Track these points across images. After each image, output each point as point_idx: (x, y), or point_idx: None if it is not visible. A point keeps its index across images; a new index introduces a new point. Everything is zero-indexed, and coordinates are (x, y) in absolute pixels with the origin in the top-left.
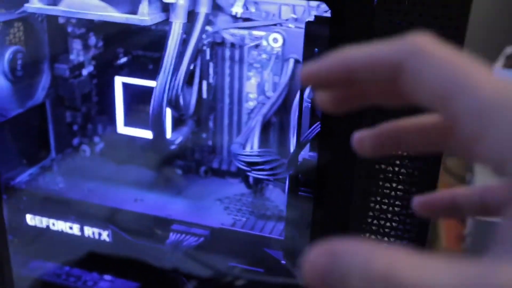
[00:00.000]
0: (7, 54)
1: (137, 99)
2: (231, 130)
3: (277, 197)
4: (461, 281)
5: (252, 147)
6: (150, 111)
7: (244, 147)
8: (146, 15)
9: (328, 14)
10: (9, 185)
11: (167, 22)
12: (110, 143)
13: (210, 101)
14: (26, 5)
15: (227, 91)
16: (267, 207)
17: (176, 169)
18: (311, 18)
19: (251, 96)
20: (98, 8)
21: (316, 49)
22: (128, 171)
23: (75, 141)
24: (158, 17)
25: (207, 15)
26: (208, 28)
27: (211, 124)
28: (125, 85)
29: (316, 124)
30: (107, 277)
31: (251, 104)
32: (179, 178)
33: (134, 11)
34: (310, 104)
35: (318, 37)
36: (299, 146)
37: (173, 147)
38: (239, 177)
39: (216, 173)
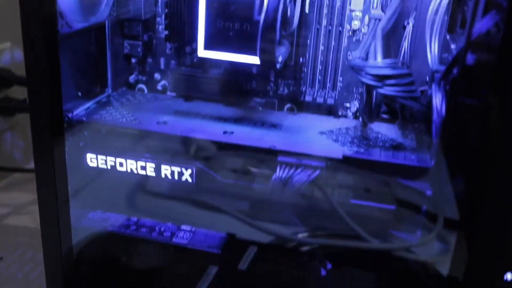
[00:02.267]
0: None
1: (222, 14)
2: (327, 57)
3: (388, 130)
4: None
5: (376, 60)
6: (262, 22)
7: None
8: None
9: None
10: (67, 118)
11: None
12: (177, 77)
13: (311, 18)
14: None
15: (328, 9)
16: (382, 139)
17: (257, 103)
18: None
19: (356, 14)
20: None
21: None
22: (202, 107)
23: (133, 77)
24: None
25: None
26: None
27: (308, 46)
28: None
29: (490, 13)
30: (186, 227)
31: (356, 25)
32: (265, 113)
33: None
34: None
35: None
36: (468, 42)
37: (278, 66)
38: (333, 113)
39: (307, 107)
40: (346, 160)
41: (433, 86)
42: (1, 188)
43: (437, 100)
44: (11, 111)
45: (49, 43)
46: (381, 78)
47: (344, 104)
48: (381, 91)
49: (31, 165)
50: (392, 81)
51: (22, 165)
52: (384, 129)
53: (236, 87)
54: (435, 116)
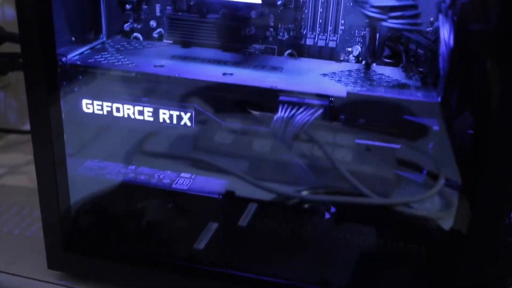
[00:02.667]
0: None
1: None
2: None
3: (392, 73)
4: None
5: None
6: None
7: None
8: None
9: None
10: (61, 62)
11: None
12: (173, 23)
13: None
14: None
15: None
16: (387, 80)
17: (256, 49)
18: None
19: None
20: None
21: None
22: (200, 52)
23: (128, 24)
24: None
25: None
26: None
27: None
28: None
29: None
30: (186, 174)
31: None
32: (265, 58)
33: None
34: None
35: None
36: None
37: (279, 2)
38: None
39: (308, 52)
40: (350, 98)
41: (440, 18)
42: None
43: (445, 32)
44: (3, 68)
45: None
46: (386, 9)
47: (346, 48)
48: (386, 24)
49: (26, 127)
50: (397, 13)
51: (17, 127)
52: (388, 72)
53: (235, 33)
54: (442, 48)
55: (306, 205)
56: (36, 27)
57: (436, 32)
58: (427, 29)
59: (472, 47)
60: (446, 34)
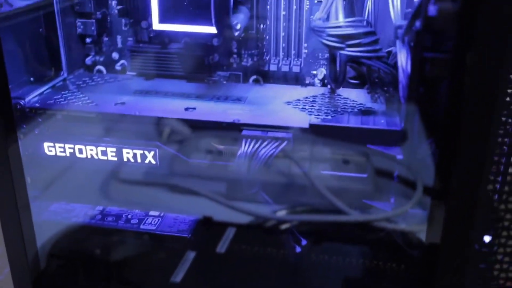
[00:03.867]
0: None
1: None
2: (289, 22)
3: (357, 96)
4: None
5: (337, 19)
6: None
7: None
8: None
9: None
10: (19, 106)
11: None
12: (135, 55)
13: None
14: None
15: None
16: (351, 105)
17: (221, 76)
18: None
19: None
20: None
21: None
22: (163, 85)
23: (90, 58)
24: None
25: None
26: None
27: (269, 12)
28: None
29: None
30: (154, 213)
31: None
32: (229, 86)
33: None
34: None
35: None
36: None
37: (236, 34)
38: (300, 81)
39: (273, 78)
40: (313, 128)
41: (397, 44)
42: None
43: (402, 57)
44: None
45: None
46: (343, 38)
47: (311, 71)
48: (345, 52)
49: None
50: (354, 41)
51: None
52: (353, 95)
53: (198, 61)
54: (400, 75)
55: (281, 227)
56: None
57: (395, 57)
58: (388, 49)
59: (429, 74)
60: (403, 60)
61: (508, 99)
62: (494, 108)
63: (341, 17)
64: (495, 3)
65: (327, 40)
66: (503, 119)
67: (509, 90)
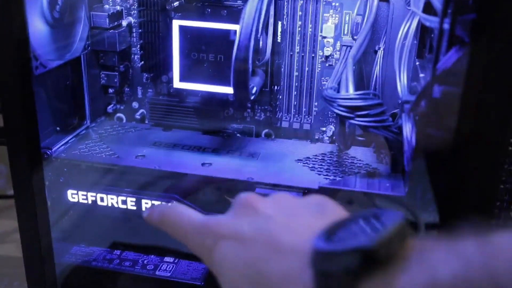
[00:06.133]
0: None
1: (196, 46)
2: (302, 83)
3: (364, 155)
4: None
5: (348, 91)
6: (234, 56)
7: (338, 91)
8: None
9: None
10: (46, 155)
11: None
12: (154, 106)
13: (283, 46)
14: None
15: (300, 35)
16: (358, 165)
17: (235, 129)
18: None
19: (327, 41)
20: None
21: None
22: (180, 136)
23: (111, 106)
24: None
25: None
26: None
27: (283, 73)
28: (183, 30)
29: (454, 48)
30: (169, 259)
31: (328, 51)
32: (242, 140)
33: None
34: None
35: None
36: (434, 76)
37: (252, 98)
38: (310, 137)
39: (284, 132)
40: (322, 191)
41: (403, 117)
42: None
43: (407, 130)
44: None
45: (23, 85)
46: (353, 109)
47: (320, 128)
48: (353, 122)
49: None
50: (363, 112)
51: (4, 192)
52: (359, 154)
53: (213, 115)
54: (406, 146)
55: None
56: (20, 124)
57: (401, 125)
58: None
59: (433, 150)
60: (408, 133)
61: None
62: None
63: (350, 89)
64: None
65: (338, 109)
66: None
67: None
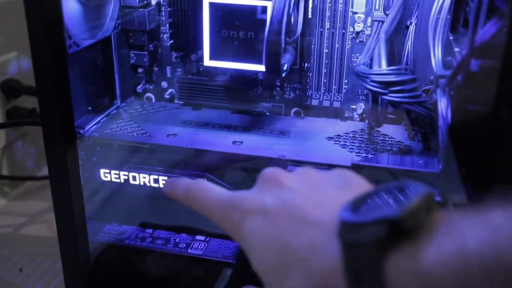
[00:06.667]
0: None
1: (226, 24)
2: (332, 60)
3: (395, 132)
4: None
5: (381, 66)
6: (267, 31)
7: (371, 67)
8: None
9: None
10: (79, 134)
11: None
12: (183, 85)
13: (313, 23)
14: None
15: (330, 11)
16: (390, 142)
17: (264, 107)
18: None
19: (358, 16)
20: None
21: None
22: (210, 115)
23: (141, 86)
24: None
25: None
26: None
27: (313, 50)
28: (214, 7)
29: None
30: (200, 237)
31: (358, 27)
32: (272, 118)
33: None
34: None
35: None
36: (471, 49)
37: (284, 74)
38: (339, 115)
39: (313, 110)
40: (355, 167)
41: (438, 92)
42: (15, 197)
43: (442, 106)
44: (20, 122)
45: (58, 64)
46: (386, 85)
47: (350, 106)
48: (386, 97)
49: (43, 173)
50: (397, 88)
51: (34, 173)
52: (391, 131)
53: (243, 94)
54: (441, 122)
55: None
56: (54, 109)
57: (435, 100)
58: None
59: (469, 127)
60: (443, 109)
61: None
62: None
63: (383, 63)
64: None
65: (371, 85)
66: None
67: None
